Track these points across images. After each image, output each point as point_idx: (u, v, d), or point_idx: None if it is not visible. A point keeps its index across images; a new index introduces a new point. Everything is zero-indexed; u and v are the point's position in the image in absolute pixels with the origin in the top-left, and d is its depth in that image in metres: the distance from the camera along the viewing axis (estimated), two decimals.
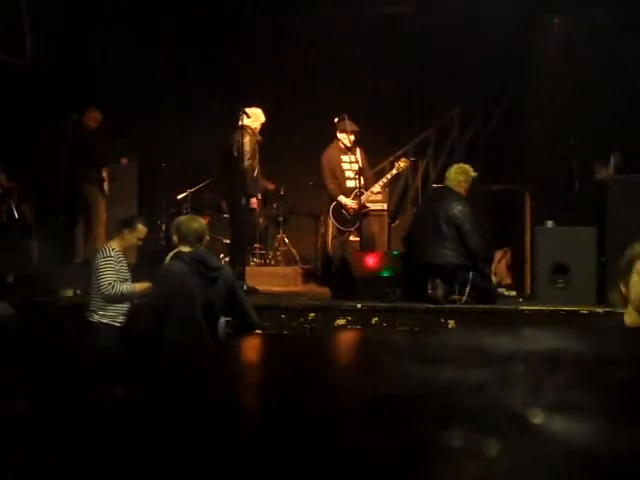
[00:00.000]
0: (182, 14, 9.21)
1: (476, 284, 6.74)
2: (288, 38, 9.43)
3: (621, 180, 6.82)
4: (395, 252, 7.99)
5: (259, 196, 7.98)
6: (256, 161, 7.72)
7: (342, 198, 8.26)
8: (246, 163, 7.53)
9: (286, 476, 0.80)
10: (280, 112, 9.43)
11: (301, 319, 6.53)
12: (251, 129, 7.73)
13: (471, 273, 6.72)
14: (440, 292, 6.71)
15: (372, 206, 8.50)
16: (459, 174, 7.00)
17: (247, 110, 7.73)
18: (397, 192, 10.47)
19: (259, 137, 7.79)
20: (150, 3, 9.25)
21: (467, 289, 6.67)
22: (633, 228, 6.75)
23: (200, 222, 4.99)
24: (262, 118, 7.93)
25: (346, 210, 8.23)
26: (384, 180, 8.35)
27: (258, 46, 9.32)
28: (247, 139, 7.58)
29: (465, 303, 6.68)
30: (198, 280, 4.62)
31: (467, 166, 7.08)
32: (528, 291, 7.78)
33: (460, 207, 6.79)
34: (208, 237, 5.16)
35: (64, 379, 1.22)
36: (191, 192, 9.05)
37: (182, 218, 5.14)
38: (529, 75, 9.10)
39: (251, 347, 2.06)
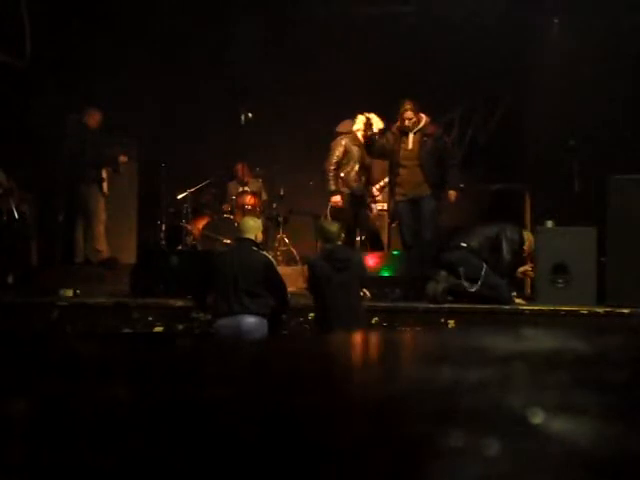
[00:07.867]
0: (183, 13, 9.20)
1: (488, 279, 6.77)
2: (288, 38, 9.43)
3: (621, 180, 6.80)
4: (395, 252, 7.98)
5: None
6: None
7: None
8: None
9: (288, 476, 0.80)
10: (280, 112, 9.43)
11: (301, 319, 6.52)
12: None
13: (485, 267, 6.77)
14: (440, 287, 6.72)
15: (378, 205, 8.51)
16: None
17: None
18: None
19: None
20: (151, 2, 9.25)
21: (480, 280, 6.71)
22: (633, 228, 6.75)
23: (335, 225, 6.24)
24: None
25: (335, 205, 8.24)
26: (381, 184, 8.32)
27: (258, 47, 9.31)
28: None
29: (470, 300, 6.71)
30: (330, 268, 5.87)
31: None
32: (528, 291, 7.78)
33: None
34: (343, 235, 6.48)
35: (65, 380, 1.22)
36: (191, 192, 9.03)
37: (323, 223, 6.65)
38: (529, 75, 9.09)
39: (249, 346, 2.06)
